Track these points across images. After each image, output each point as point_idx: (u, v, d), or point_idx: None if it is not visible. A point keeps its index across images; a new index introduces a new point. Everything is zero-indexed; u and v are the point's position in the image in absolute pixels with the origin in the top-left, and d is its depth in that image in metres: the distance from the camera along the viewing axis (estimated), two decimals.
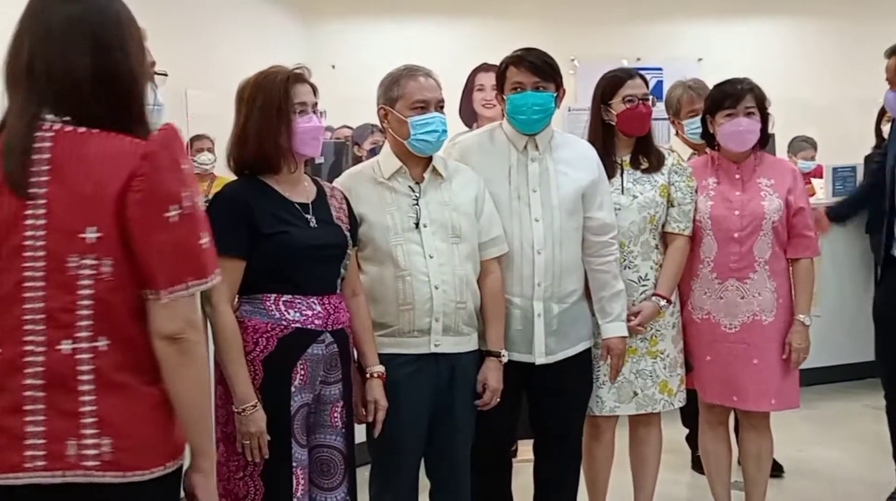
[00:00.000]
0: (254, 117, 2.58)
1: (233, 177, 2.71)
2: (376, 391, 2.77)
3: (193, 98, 6.29)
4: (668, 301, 3.30)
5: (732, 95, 3.32)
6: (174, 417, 1.77)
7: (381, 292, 2.83)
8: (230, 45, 7.17)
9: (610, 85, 3.30)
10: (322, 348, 2.59)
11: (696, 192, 3.38)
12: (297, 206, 2.62)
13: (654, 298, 3.28)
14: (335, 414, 2.66)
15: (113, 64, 1.71)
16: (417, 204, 2.87)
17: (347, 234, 2.71)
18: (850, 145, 4.77)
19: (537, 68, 3.02)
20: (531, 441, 3.32)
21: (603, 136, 3.30)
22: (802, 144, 6.78)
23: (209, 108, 5.87)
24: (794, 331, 3.36)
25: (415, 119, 2.82)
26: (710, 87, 3.52)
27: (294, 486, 2.54)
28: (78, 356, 1.69)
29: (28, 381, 1.69)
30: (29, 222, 1.68)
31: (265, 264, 2.55)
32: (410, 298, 2.81)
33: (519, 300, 3.05)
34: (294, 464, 2.55)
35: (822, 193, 5.79)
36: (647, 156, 3.32)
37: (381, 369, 2.78)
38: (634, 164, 3.32)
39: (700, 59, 8.75)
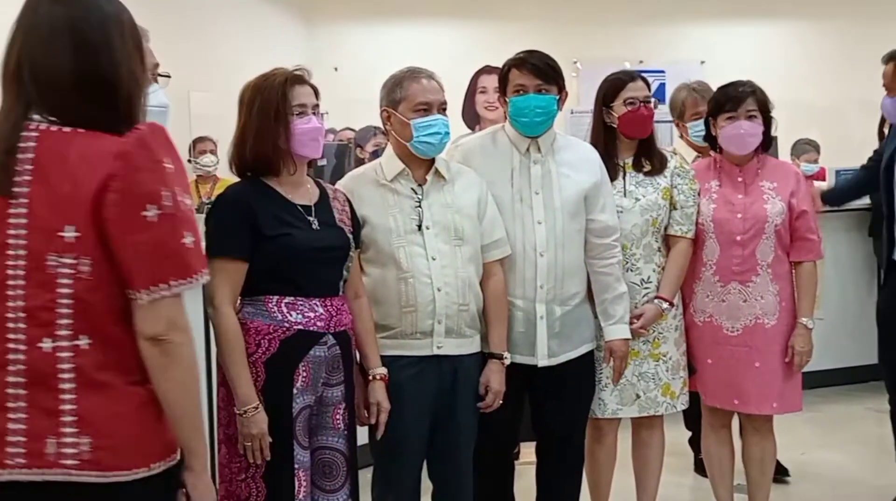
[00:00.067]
0: (252, 120, 2.59)
1: (235, 179, 2.72)
2: (379, 393, 2.76)
3: (196, 100, 6.30)
4: (671, 304, 3.30)
5: (734, 98, 3.32)
6: (164, 417, 1.75)
7: (383, 294, 2.83)
8: (233, 47, 7.18)
9: (611, 87, 3.30)
10: (324, 350, 2.59)
11: (699, 194, 3.38)
12: (299, 208, 2.62)
13: (656, 300, 3.28)
14: (337, 416, 2.66)
15: (95, 65, 1.71)
16: (420, 206, 2.87)
17: (350, 236, 2.71)
18: (853, 148, 4.77)
19: (540, 71, 3.02)
20: (533, 444, 3.32)
21: (605, 138, 3.30)
22: (805, 147, 6.77)
23: (212, 109, 5.87)
24: (797, 334, 3.35)
25: (417, 121, 2.82)
26: (714, 89, 3.52)
27: (296, 488, 2.54)
28: (58, 355, 1.69)
29: (10, 378, 1.70)
30: (12, 220, 1.69)
31: (267, 265, 2.55)
32: (413, 300, 2.81)
33: (521, 303, 3.05)
34: (296, 466, 2.55)
35: None
36: (650, 159, 3.32)
37: (383, 371, 2.78)
38: (637, 166, 3.31)
39: (703, 62, 8.76)
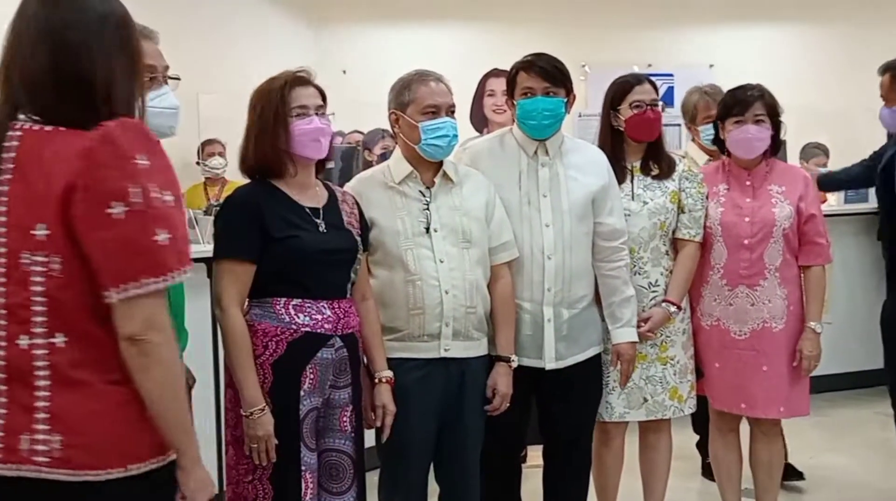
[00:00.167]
0: (255, 123, 2.61)
1: (244, 181, 2.73)
2: (384, 395, 2.77)
3: (205, 102, 6.30)
4: (679, 307, 3.29)
5: (742, 102, 3.32)
6: (147, 417, 1.73)
7: (391, 297, 2.84)
8: (242, 50, 7.19)
9: (619, 90, 3.30)
10: (331, 352, 2.59)
11: (707, 198, 3.37)
12: (307, 210, 2.63)
13: (664, 304, 3.27)
14: (344, 418, 2.67)
15: (71, 64, 1.71)
16: (428, 209, 2.87)
17: (358, 238, 2.71)
18: (861, 151, 4.75)
19: (548, 73, 3.02)
20: (540, 447, 3.32)
21: (612, 141, 3.30)
22: (814, 151, 6.76)
23: (220, 112, 5.88)
24: (806, 338, 3.35)
25: (426, 124, 2.83)
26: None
27: (303, 490, 2.55)
28: (34, 352, 1.70)
29: None
30: None
31: (275, 267, 2.55)
32: (420, 302, 2.81)
33: (529, 305, 3.05)
34: (303, 468, 2.55)
35: (834, 199, 5.77)
36: (658, 162, 3.32)
37: (389, 374, 2.78)
38: (645, 170, 3.31)
39: (711, 66, 8.73)
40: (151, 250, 1.68)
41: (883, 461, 4.55)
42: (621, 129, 3.28)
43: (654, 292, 3.28)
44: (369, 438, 2.79)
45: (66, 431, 1.69)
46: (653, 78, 3.41)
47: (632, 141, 3.30)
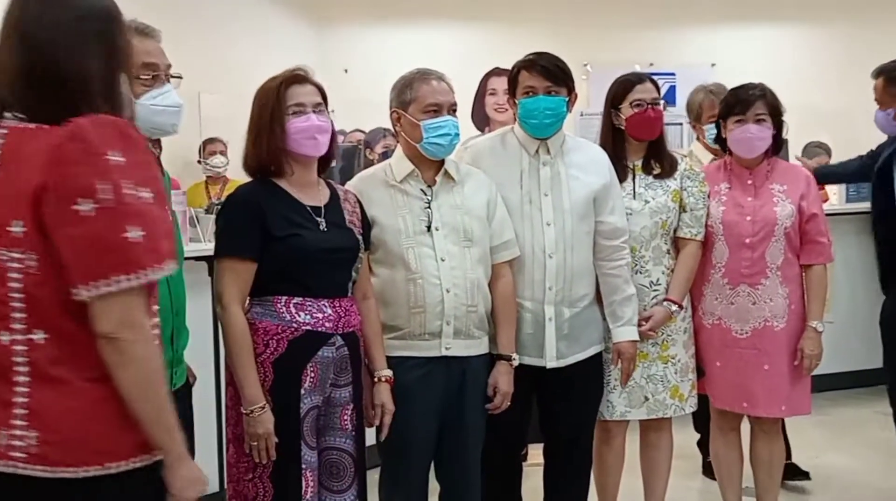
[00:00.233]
0: (254, 122, 2.62)
1: (245, 180, 2.73)
2: (384, 395, 2.77)
3: (206, 101, 6.31)
4: (680, 306, 3.30)
5: (743, 101, 3.32)
6: (127, 416, 1.72)
7: (392, 295, 2.84)
8: (243, 49, 7.19)
9: (620, 89, 3.30)
10: (332, 350, 2.59)
11: (709, 197, 3.37)
12: (308, 209, 2.63)
13: (665, 303, 3.27)
14: (345, 417, 2.67)
15: (46, 63, 1.71)
16: (429, 207, 2.87)
17: (360, 237, 2.71)
18: (862, 150, 4.75)
19: (549, 72, 3.03)
20: (541, 445, 3.32)
21: (613, 140, 3.30)
22: (816, 150, 6.75)
23: (222, 111, 5.88)
24: (807, 337, 3.35)
25: (427, 122, 2.83)
26: None
27: (303, 488, 2.55)
28: (14, 348, 1.70)
29: None
30: None
31: (276, 266, 2.56)
32: (422, 301, 2.82)
33: (530, 304, 3.05)
34: (303, 466, 2.56)
35: (836, 198, 5.77)
36: (660, 161, 3.32)
37: (388, 373, 2.78)
38: (646, 169, 3.31)
39: (713, 65, 8.74)
40: (122, 247, 1.66)
41: (883, 460, 4.55)
42: (622, 128, 3.28)
43: (655, 290, 3.28)
44: (370, 436, 2.80)
45: (42, 427, 1.69)
46: (654, 77, 3.40)
47: (633, 140, 3.30)
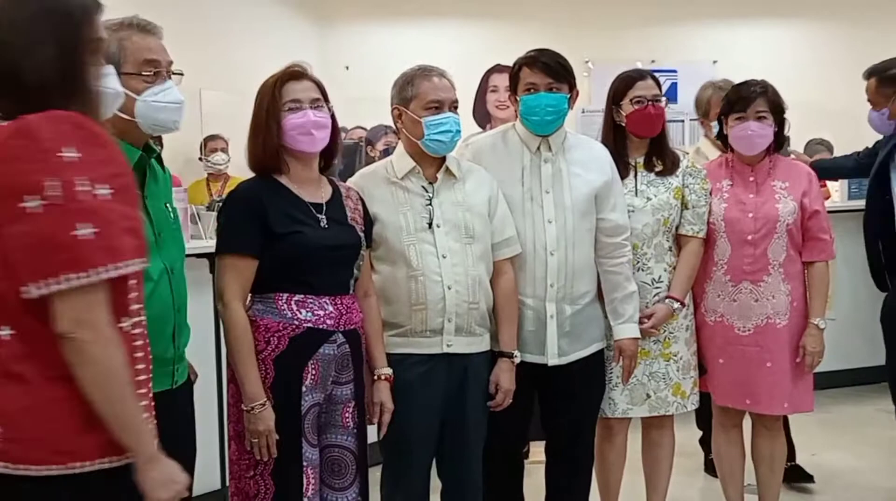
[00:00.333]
0: (253, 120, 2.62)
1: (246, 176, 2.73)
2: (383, 393, 2.77)
3: (207, 98, 6.31)
4: (682, 304, 3.29)
5: (744, 99, 3.32)
6: (92, 416, 1.69)
7: (393, 292, 2.84)
8: (244, 46, 7.19)
9: (621, 86, 3.29)
10: (334, 348, 2.59)
11: (711, 194, 3.37)
12: (310, 206, 2.62)
13: (667, 300, 3.27)
14: (346, 414, 2.67)
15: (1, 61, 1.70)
16: (431, 204, 2.87)
17: (361, 235, 2.71)
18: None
19: (551, 69, 3.02)
20: (543, 443, 3.32)
21: (615, 137, 3.29)
22: (818, 148, 6.75)
23: (223, 108, 5.89)
24: (809, 334, 3.35)
25: (429, 119, 2.82)
26: None
27: (304, 485, 2.55)
28: None
29: None
30: None
31: (278, 263, 2.55)
32: (423, 298, 2.81)
33: (531, 302, 3.04)
34: (304, 463, 2.55)
35: (838, 195, 5.76)
36: (661, 158, 3.31)
37: (388, 371, 2.78)
38: (648, 166, 3.31)
39: (715, 62, 8.73)
40: (70, 245, 1.63)
41: (885, 458, 4.54)
42: (623, 124, 3.28)
43: (657, 288, 3.28)
44: (372, 434, 2.79)
45: (6, 424, 1.68)
46: (656, 74, 3.40)
47: (634, 137, 3.29)
